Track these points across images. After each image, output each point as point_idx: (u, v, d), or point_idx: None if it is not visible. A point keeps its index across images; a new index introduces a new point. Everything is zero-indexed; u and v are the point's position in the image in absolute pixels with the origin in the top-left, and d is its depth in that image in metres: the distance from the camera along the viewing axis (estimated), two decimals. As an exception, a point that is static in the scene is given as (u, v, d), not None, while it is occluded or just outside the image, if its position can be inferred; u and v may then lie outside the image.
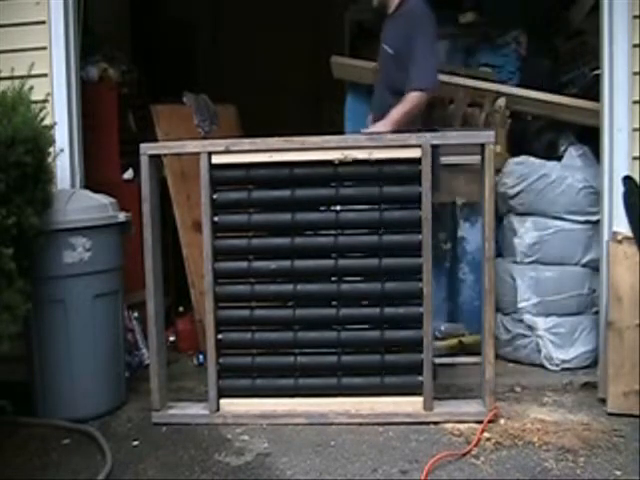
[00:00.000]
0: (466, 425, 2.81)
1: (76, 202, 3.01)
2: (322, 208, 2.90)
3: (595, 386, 3.12)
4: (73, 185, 3.27)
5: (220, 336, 2.89)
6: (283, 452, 2.64)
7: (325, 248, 2.87)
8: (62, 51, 3.27)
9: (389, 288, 2.83)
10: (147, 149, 2.90)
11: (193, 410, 2.95)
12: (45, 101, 3.05)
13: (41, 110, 2.93)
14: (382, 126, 3.01)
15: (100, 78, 3.93)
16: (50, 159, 2.99)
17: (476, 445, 2.63)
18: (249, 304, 2.91)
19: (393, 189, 2.84)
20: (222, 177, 2.88)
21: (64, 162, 3.22)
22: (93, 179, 3.42)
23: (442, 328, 3.71)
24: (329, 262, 2.84)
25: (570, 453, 2.57)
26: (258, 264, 2.88)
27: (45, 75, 3.23)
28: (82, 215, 2.97)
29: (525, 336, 3.51)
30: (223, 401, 2.92)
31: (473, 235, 3.78)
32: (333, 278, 2.87)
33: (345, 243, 2.87)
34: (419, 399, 2.82)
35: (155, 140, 3.62)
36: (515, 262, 3.58)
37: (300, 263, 2.86)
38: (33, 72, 3.01)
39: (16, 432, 2.88)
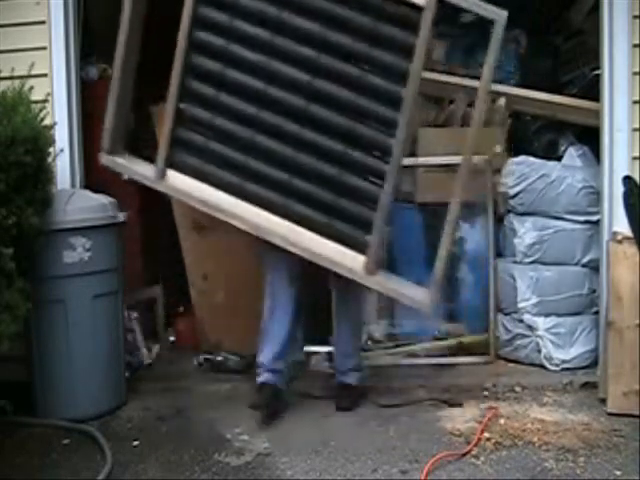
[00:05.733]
0: (466, 425, 2.81)
1: (76, 202, 3.01)
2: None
3: (595, 386, 3.12)
4: (73, 185, 3.27)
5: (182, 105, 2.71)
6: (283, 452, 2.64)
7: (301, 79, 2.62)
8: (62, 51, 3.27)
9: (360, 131, 2.58)
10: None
11: (142, 169, 2.82)
12: (45, 101, 3.05)
13: (41, 110, 2.93)
14: None
15: (100, 78, 3.93)
16: (50, 159, 2.99)
17: (476, 445, 2.63)
18: (217, 88, 2.70)
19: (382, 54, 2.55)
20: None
21: (64, 162, 3.22)
22: (93, 179, 3.42)
23: (442, 328, 3.72)
24: (304, 76, 2.60)
25: (570, 453, 2.57)
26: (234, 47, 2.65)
27: (45, 75, 3.23)
28: (82, 215, 2.97)
29: (525, 336, 3.51)
30: (171, 173, 2.75)
31: (473, 235, 3.77)
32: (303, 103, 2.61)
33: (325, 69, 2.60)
34: (362, 258, 2.61)
35: (155, 140, 3.61)
36: (515, 262, 3.58)
37: (277, 66, 2.62)
38: (33, 72, 3.01)
39: (16, 432, 2.87)
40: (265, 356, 2.97)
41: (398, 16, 2.51)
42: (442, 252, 2.58)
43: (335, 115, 2.59)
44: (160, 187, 2.76)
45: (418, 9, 2.45)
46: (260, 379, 2.96)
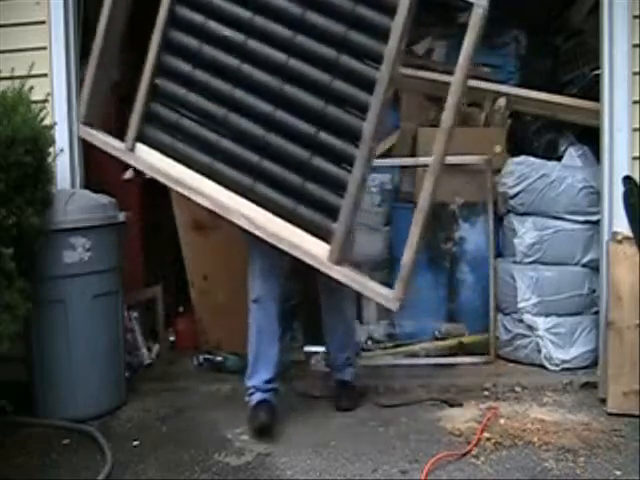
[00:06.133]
0: (466, 425, 2.81)
1: (76, 202, 3.01)
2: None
3: (595, 386, 3.12)
4: (73, 185, 3.27)
5: (157, 81, 2.70)
6: (283, 452, 2.64)
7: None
8: (62, 51, 3.26)
9: (334, 113, 2.50)
10: None
11: (113, 142, 2.80)
12: (45, 101, 3.05)
13: (41, 110, 2.93)
14: None
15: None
16: (50, 159, 2.99)
17: (476, 445, 2.63)
18: (193, 65, 2.67)
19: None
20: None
21: (64, 162, 3.22)
22: (93, 179, 3.42)
23: (442, 328, 3.72)
24: (280, 56, 2.55)
25: (570, 453, 2.57)
26: (212, 25, 2.63)
27: (45, 75, 3.23)
28: (82, 215, 2.97)
29: (525, 336, 3.51)
30: (141, 146, 2.73)
31: (473, 235, 3.78)
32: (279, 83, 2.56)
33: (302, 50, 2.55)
34: (327, 247, 2.51)
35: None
36: (515, 262, 3.58)
37: (254, 45, 2.58)
38: (33, 72, 3.01)
39: (16, 432, 2.87)
40: (258, 380, 2.88)
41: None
42: (411, 242, 2.40)
43: (308, 96, 2.53)
44: (129, 159, 2.73)
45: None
46: (255, 399, 2.87)
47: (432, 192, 2.39)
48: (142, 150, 2.74)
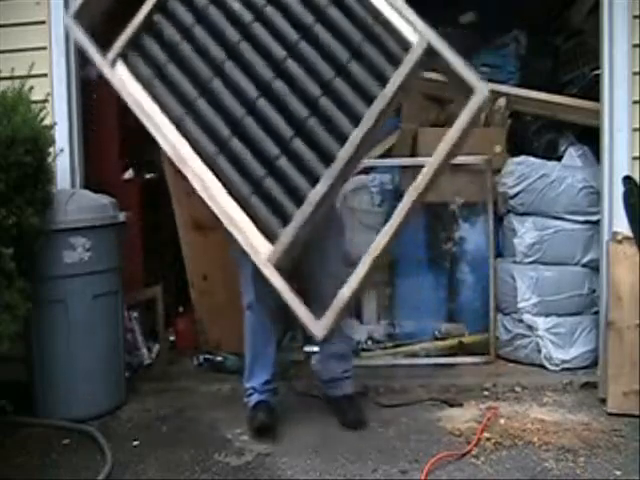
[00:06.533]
0: (466, 425, 2.81)
1: (76, 202, 3.01)
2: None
3: (595, 386, 3.12)
4: (73, 185, 3.27)
5: (156, 17, 2.59)
6: (283, 452, 2.64)
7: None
8: (62, 51, 3.26)
9: (312, 125, 2.39)
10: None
11: (94, 49, 2.64)
12: (45, 101, 3.05)
13: (41, 110, 2.93)
14: None
15: (100, 78, 3.92)
16: (50, 159, 2.99)
17: (476, 445, 2.63)
18: (193, 21, 2.54)
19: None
20: None
21: (64, 162, 3.21)
22: (93, 179, 3.42)
23: (442, 328, 3.72)
24: (281, 52, 2.47)
25: (570, 453, 2.57)
26: None
27: (45, 75, 3.23)
28: (82, 215, 2.97)
29: (525, 336, 3.51)
30: (122, 68, 2.61)
31: (473, 235, 3.78)
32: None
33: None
34: (271, 247, 2.34)
35: (155, 141, 3.62)
36: (515, 262, 3.58)
37: (258, 30, 2.49)
38: (33, 72, 3.00)
39: (16, 432, 2.87)
40: (256, 381, 2.87)
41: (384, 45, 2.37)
42: (372, 249, 2.20)
43: (295, 101, 2.44)
44: (106, 73, 2.58)
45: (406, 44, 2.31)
46: (253, 399, 2.87)
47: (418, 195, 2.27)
48: (123, 71, 2.61)
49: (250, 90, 2.54)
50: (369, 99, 2.39)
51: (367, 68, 2.42)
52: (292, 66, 2.53)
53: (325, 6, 2.51)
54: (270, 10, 2.56)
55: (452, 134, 2.24)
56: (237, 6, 2.57)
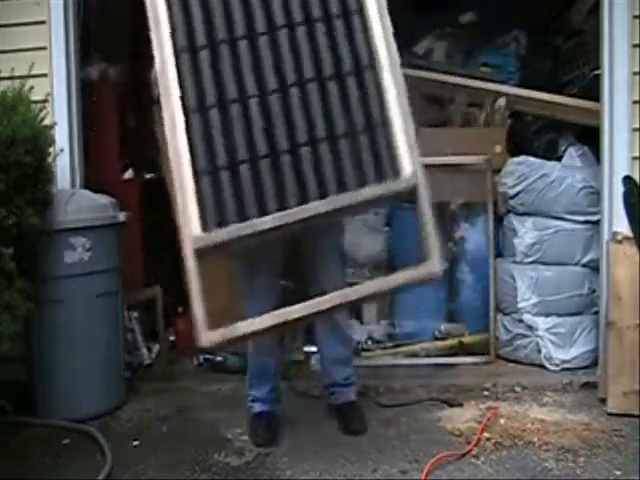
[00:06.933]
0: (466, 425, 2.81)
1: (76, 202, 3.01)
2: None
3: (595, 386, 3.12)
4: (73, 185, 3.27)
5: None
6: (283, 452, 2.64)
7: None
8: (62, 51, 3.26)
9: (304, 152, 2.26)
10: None
11: None
12: (45, 101, 3.05)
13: (41, 110, 2.93)
14: None
15: (100, 78, 3.93)
16: (50, 159, 2.99)
17: (476, 445, 2.63)
18: None
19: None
20: None
21: (64, 162, 3.21)
22: (93, 179, 3.42)
23: (442, 328, 3.72)
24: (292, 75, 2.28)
25: (570, 453, 2.57)
26: None
27: (45, 75, 3.23)
28: (82, 215, 2.97)
29: (525, 336, 3.51)
30: None
31: (473, 235, 3.78)
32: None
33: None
34: (202, 233, 2.26)
35: (156, 140, 3.62)
36: (515, 262, 3.58)
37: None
38: (33, 72, 3.00)
39: (16, 432, 2.87)
40: (259, 391, 2.85)
41: None
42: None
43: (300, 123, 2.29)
44: None
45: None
46: (256, 408, 2.85)
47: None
48: None
49: (250, 81, 2.30)
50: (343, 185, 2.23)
51: (353, 155, 2.27)
52: (296, 92, 2.26)
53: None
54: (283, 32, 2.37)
55: (387, 283, 2.20)
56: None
